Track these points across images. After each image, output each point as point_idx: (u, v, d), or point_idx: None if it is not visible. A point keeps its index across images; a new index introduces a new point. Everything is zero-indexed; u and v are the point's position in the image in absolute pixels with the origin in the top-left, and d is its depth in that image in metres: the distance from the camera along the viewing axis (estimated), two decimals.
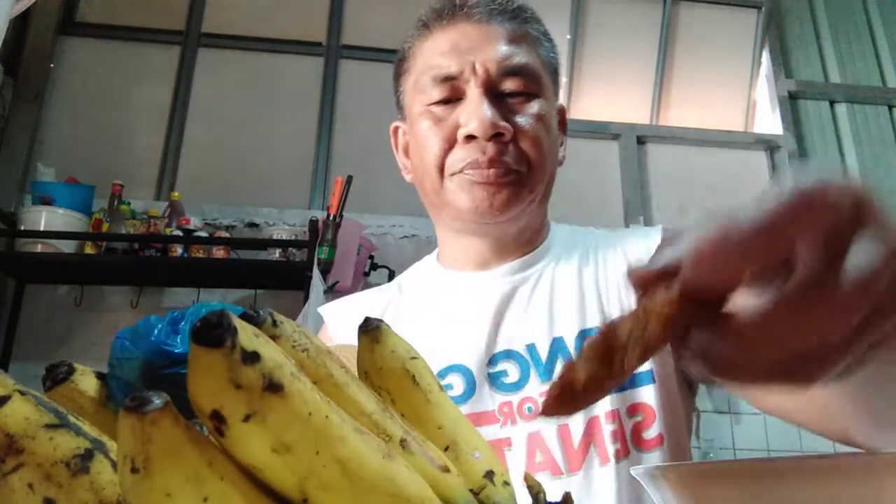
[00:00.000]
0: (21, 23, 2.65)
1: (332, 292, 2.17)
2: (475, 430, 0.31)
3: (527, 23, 0.81)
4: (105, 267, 2.34)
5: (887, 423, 0.45)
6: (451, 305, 0.81)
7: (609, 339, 0.27)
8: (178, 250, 2.30)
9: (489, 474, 0.28)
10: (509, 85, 0.76)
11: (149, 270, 2.37)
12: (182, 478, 0.19)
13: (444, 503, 0.23)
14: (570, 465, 0.69)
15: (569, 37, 3.21)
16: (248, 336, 0.20)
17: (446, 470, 0.25)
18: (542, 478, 0.69)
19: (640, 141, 3.16)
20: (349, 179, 2.27)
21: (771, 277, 0.25)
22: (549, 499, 0.29)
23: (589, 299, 0.78)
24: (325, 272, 2.22)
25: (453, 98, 0.77)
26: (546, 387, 0.72)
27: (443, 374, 0.76)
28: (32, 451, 0.22)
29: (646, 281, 0.26)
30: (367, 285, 2.23)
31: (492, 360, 0.76)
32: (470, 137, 0.74)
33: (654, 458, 0.70)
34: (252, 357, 0.19)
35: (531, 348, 0.76)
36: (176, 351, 0.27)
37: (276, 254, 2.36)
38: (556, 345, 0.75)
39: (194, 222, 2.35)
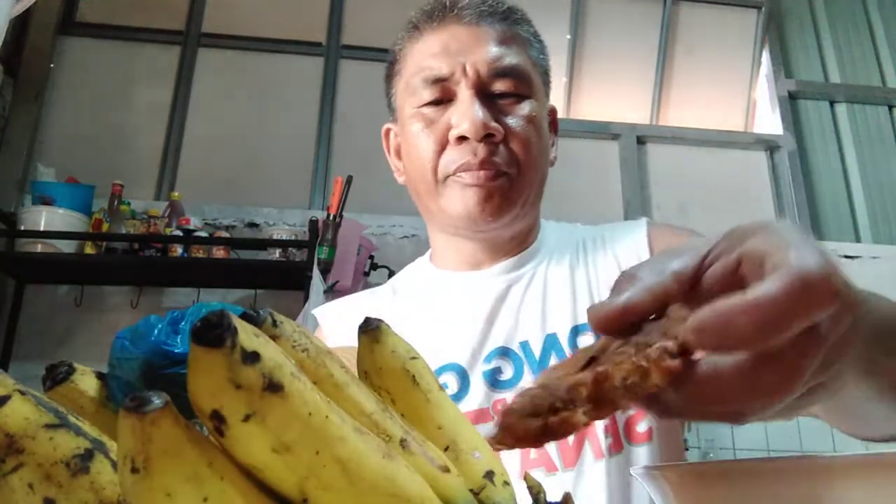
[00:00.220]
0: (21, 23, 2.65)
1: (332, 292, 2.17)
2: (475, 430, 0.31)
3: (517, 24, 0.82)
4: (105, 267, 2.34)
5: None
6: (445, 305, 0.82)
7: (600, 384, 0.28)
8: (178, 250, 2.30)
9: (489, 474, 0.28)
10: (500, 86, 0.77)
11: (149, 270, 2.37)
12: (182, 478, 0.19)
13: (444, 503, 0.23)
14: (565, 461, 0.70)
15: (569, 37, 3.21)
16: (248, 336, 0.20)
17: (446, 470, 0.25)
18: (537, 474, 0.69)
19: (640, 141, 3.16)
20: (349, 179, 2.27)
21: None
22: (548, 499, 0.29)
23: (581, 297, 0.78)
24: (325, 272, 2.22)
25: (444, 99, 0.77)
26: None
27: (437, 373, 0.76)
28: (32, 450, 0.22)
29: (610, 321, 0.29)
30: (367, 285, 2.23)
31: (486, 359, 0.76)
32: (461, 138, 0.75)
33: (644, 451, 0.71)
34: (252, 357, 0.19)
35: (525, 345, 0.76)
36: (176, 351, 0.27)
37: (276, 254, 2.36)
38: (550, 341, 0.75)
39: (194, 222, 2.35)
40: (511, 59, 0.77)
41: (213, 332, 0.19)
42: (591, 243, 0.85)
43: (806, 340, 0.27)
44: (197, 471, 0.19)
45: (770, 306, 0.26)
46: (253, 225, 2.61)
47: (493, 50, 0.77)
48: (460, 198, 0.75)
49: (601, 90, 3.23)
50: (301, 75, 2.95)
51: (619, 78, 3.25)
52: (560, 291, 0.79)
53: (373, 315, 0.31)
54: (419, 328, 0.79)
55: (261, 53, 2.96)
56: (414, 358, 0.30)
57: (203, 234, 2.33)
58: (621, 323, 0.29)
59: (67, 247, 2.27)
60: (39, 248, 2.25)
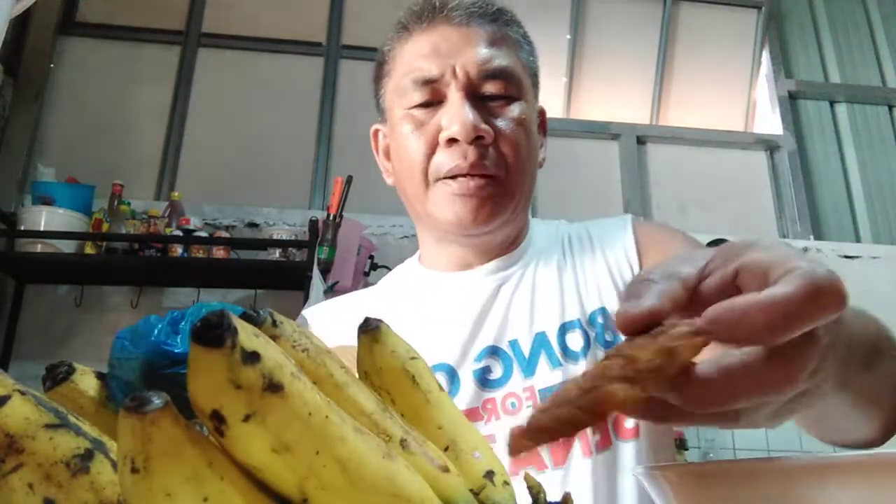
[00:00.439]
0: (21, 23, 2.65)
1: (332, 292, 2.17)
2: (475, 430, 0.31)
3: (507, 25, 0.81)
4: (105, 267, 2.34)
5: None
6: (435, 305, 0.82)
7: (630, 364, 0.29)
8: (178, 250, 2.30)
9: (489, 474, 0.28)
10: (490, 88, 0.76)
11: (149, 270, 2.37)
12: (182, 478, 0.19)
13: (444, 503, 0.23)
14: (555, 458, 0.70)
15: (569, 37, 3.21)
16: (248, 336, 0.20)
17: (446, 470, 0.25)
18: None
19: (640, 141, 3.16)
20: (349, 179, 2.27)
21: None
22: (548, 498, 0.29)
23: (568, 295, 0.79)
24: (325, 272, 2.22)
25: (434, 101, 0.77)
26: (528, 382, 0.73)
27: None
28: (32, 450, 0.22)
29: (636, 324, 0.30)
30: (367, 285, 2.23)
31: (476, 358, 0.76)
32: (451, 141, 0.74)
33: (630, 447, 0.71)
34: (252, 357, 0.19)
35: (514, 344, 0.76)
36: (176, 351, 0.27)
37: (276, 254, 2.36)
38: (539, 339, 0.76)
39: (194, 222, 2.35)
40: (501, 60, 0.77)
41: (213, 332, 0.19)
42: (578, 242, 0.85)
43: (807, 341, 0.28)
44: (197, 471, 0.19)
45: (785, 305, 0.27)
46: (253, 225, 2.61)
47: (483, 51, 0.77)
48: (450, 205, 0.75)
49: (601, 90, 3.23)
50: (301, 75, 2.95)
51: (619, 78, 3.25)
52: (548, 290, 0.79)
53: (363, 315, 0.31)
54: (409, 328, 0.79)
55: (261, 53, 2.96)
56: (414, 358, 0.30)
57: (203, 234, 2.33)
58: (645, 326, 0.30)
59: (67, 247, 2.27)
60: (39, 248, 2.25)
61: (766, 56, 3.34)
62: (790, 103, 3.26)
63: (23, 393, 0.23)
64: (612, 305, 0.77)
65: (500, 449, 0.70)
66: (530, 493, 0.29)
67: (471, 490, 0.27)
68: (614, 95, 3.23)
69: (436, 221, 0.78)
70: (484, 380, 0.75)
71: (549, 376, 0.73)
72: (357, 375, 0.29)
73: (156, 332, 0.27)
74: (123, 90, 2.80)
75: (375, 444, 0.22)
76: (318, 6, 3.05)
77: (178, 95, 2.83)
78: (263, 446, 0.20)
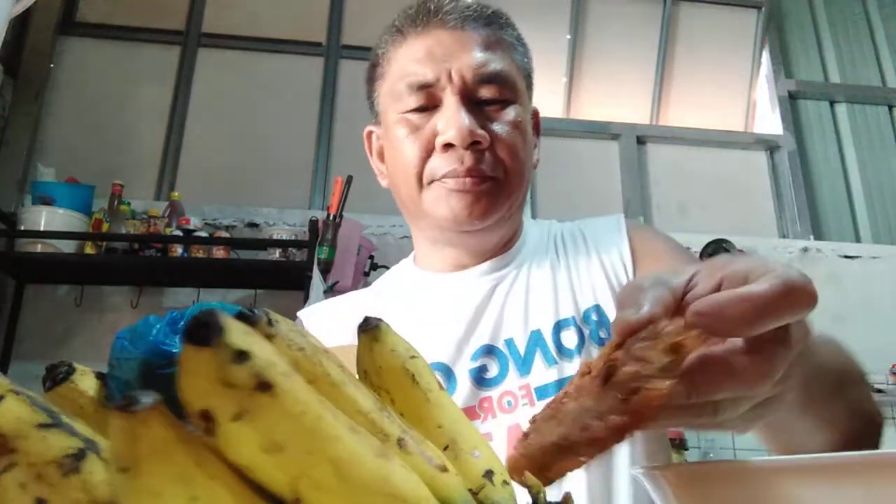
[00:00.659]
0: (21, 23, 2.65)
1: (332, 292, 2.17)
2: (476, 429, 0.31)
3: (501, 29, 0.81)
4: (105, 267, 2.34)
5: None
6: (430, 306, 0.82)
7: (646, 364, 0.31)
8: (178, 250, 2.30)
9: (488, 473, 0.28)
10: (485, 92, 0.76)
11: (149, 270, 2.37)
12: (171, 477, 0.19)
13: (441, 503, 0.23)
14: None
15: (569, 37, 3.21)
16: (238, 335, 0.20)
17: (444, 469, 0.25)
18: None
19: (640, 141, 3.16)
20: (349, 179, 2.27)
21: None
22: (548, 498, 0.29)
23: (562, 293, 0.79)
24: (325, 272, 2.22)
25: (430, 106, 0.77)
26: (524, 380, 0.73)
27: None
28: (25, 450, 0.22)
29: (634, 329, 0.33)
30: (367, 285, 2.23)
31: (472, 357, 0.76)
32: (448, 145, 0.74)
33: (625, 445, 0.71)
34: (242, 356, 0.19)
35: (509, 343, 0.76)
36: (174, 351, 0.27)
37: (276, 254, 2.36)
38: (534, 337, 0.76)
39: (194, 222, 2.35)
40: (496, 64, 0.77)
41: (202, 331, 0.19)
42: (571, 241, 0.86)
43: (780, 344, 0.32)
44: (186, 471, 0.19)
45: (761, 298, 0.30)
46: (253, 225, 2.61)
47: (478, 55, 0.76)
48: (445, 201, 0.75)
49: (601, 90, 3.23)
50: (301, 75, 2.95)
51: (619, 78, 3.25)
52: (542, 289, 0.80)
53: (359, 316, 0.31)
54: (404, 328, 0.79)
55: (261, 53, 2.96)
56: (414, 357, 0.30)
57: (203, 234, 2.33)
58: (640, 330, 0.33)
59: (67, 247, 2.27)
60: (39, 248, 2.25)
61: (766, 56, 3.34)
62: (790, 103, 3.26)
63: (17, 393, 0.23)
64: (607, 303, 0.77)
65: (499, 447, 0.71)
66: (530, 492, 0.29)
67: (470, 490, 0.26)
68: (614, 95, 3.23)
69: (431, 220, 0.78)
70: (480, 379, 0.75)
71: (544, 374, 0.73)
72: (356, 375, 0.29)
73: (154, 331, 0.27)
74: (123, 90, 2.80)
75: (370, 443, 0.21)
76: (318, 6, 3.05)
77: (178, 95, 2.83)
78: (254, 446, 0.20)
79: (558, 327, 0.76)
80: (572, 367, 0.73)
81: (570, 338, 0.75)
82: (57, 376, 0.30)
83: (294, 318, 0.90)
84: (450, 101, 0.75)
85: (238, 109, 2.86)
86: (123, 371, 0.27)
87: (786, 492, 0.30)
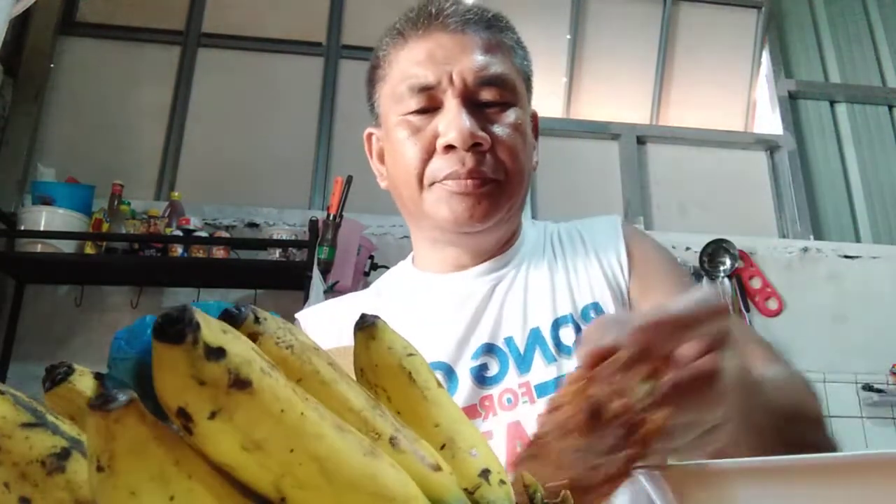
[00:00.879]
0: (21, 23, 2.65)
1: (332, 292, 2.17)
2: (474, 428, 0.31)
3: (501, 32, 0.82)
4: (105, 267, 2.34)
5: None
6: (430, 306, 0.83)
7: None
8: (178, 250, 2.30)
9: (485, 473, 0.28)
10: (486, 95, 0.77)
11: (149, 270, 2.37)
12: (147, 476, 0.19)
13: (432, 502, 0.23)
14: None
15: (569, 37, 3.21)
16: (212, 332, 0.19)
17: (437, 468, 0.24)
18: None
19: (640, 141, 3.16)
20: (349, 179, 2.27)
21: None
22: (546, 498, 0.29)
23: (560, 291, 0.80)
24: (325, 272, 2.22)
25: (430, 108, 0.77)
26: (524, 378, 0.74)
27: None
28: (8, 449, 0.22)
29: (596, 358, 0.38)
30: (367, 285, 2.23)
31: (473, 356, 0.77)
32: (449, 147, 0.75)
33: None
34: (217, 353, 0.19)
35: (509, 341, 0.77)
36: None
37: (276, 254, 2.36)
38: (533, 335, 0.77)
39: (194, 222, 2.35)
40: (497, 67, 0.78)
41: (173, 328, 0.19)
42: (569, 240, 0.87)
43: (713, 378, 0.39)
44: (163, 469, 0.19)
45: (682, 312, 0.38)
46: (253, 225, 2.61)
47: (479, 58, 0.77)
48: (446, 203, 0.76)
49: (601, 90, 3.23)
50: (301, 75, 2.95)
51: (619, 78, 3.25)
52: (540, 288, 0.81)
53: (356, 318, 0.31)
54: (405, 328, 0.79)
55: (261, 53, 2.96)
56: (411, 355, 0.30)
57: (203, 234, 2.33)
58: (603, 358, 0.39)
59: (67, 247, 2.27)
60: (39, 248, 2.25)
61: (766, 56, 3.34)
62: (790, 103, 3.26)
63: (1, 392, 0.23)
64: (606, 301, 0.78)
65: (499, 444, 0.71)
66: (526, 491, 0.29)
67: (465, 489, 0.26)
68: (614, 95, 3.23)
69: (432, 221, 0.79)
70: (481, 377, 0.76)
71: (543, 372, 0.74)
72: (353, 375, 0.29)
73: (150, 331, 0.27)
74: (123, 90, 2.80)
75: (357, 441, 0.21)
76: (318, 6, 3.05)
77: (178, 95, 2.83)
78: (233, 444, 0.19)
79: (556, 325, 0.77)
80: (571, 365, 0.73)
81: (568, 335, 0.76)
82: (56, 377, 0.30)
83: (294, 318, 0.90)
84: (451, 103, 0.75)
85: (238, 109, 2.86)
86: (119, 371, 0.27)
87: (786, 491, 0.30)
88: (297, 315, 0.91)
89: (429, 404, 0.29)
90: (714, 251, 2.77)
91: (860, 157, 3.19)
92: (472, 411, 0.74)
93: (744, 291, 2.77)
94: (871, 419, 2.64)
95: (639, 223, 2.94)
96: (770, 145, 3.22)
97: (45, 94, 2.71)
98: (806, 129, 3.24)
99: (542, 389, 0.73)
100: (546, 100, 3.11)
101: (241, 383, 0.19)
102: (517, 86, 0.80)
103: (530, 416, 0.72)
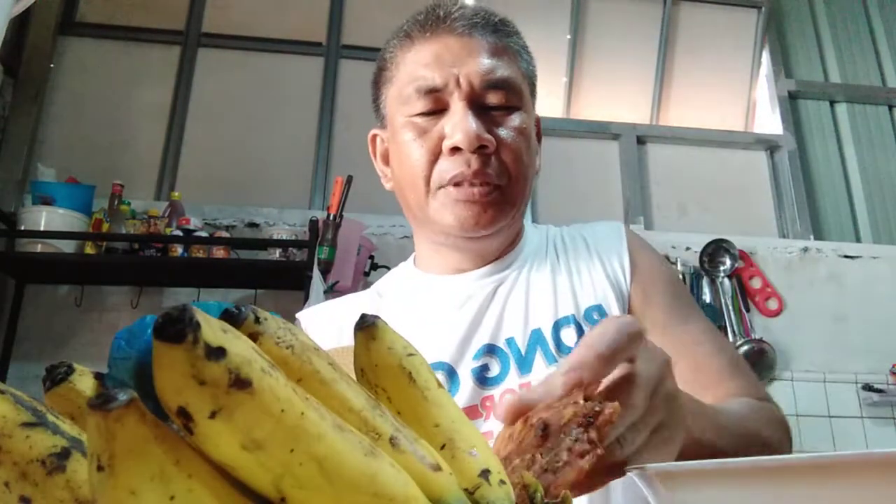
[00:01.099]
0: (21, 23, 2.65)
1: (333, 292, 2.17)
2: (474, 428, 0.31)
3: (508, 37, 0.83)
4: (105, 267, 2.34)
5: None
6: (432, 306, 0.83)
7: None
8: (178, 250, 2.30)
9: (485, 473, 0.28)
10: (492, 98, 0.78)
11: (149, 270, 2.37)
12: (147, 476, 0.19)
13: (432, 502, 0.23)
14: None
15: (569, 37, 3.21)
16: (212, 331, 0.19)
17: (438, 468, 0.24)
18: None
19: (640, 141, 3.16)
20: (349, 179, 2.27)
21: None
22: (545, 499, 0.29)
23: (562, 293, 0.81)
24: (325, 272, 2.22)
25: (437, 110, 0.78)
26: (525, 379, 0.75)
27: None
28: (8, 449, 0.22)
29: (518, 413, 0.42)
30: (367, 285, 2.23)
31: (474, 356, 0.77)
32: (455, 149, 0.75)
33: None
34: (217, 353, 0.19)
35: (510, 342, 0.78)
36: None
37: (276, 254, 2.36)
38: (535, 336, 0.77)
39: (194, 222, 2.35)
40: (503, 71, 0.78)
41: (173, 328, 0.19)
42: (571, 243, 0.87)
43: (631, 373, 0.42)
44: (163, 469, 0.19)
45: (605, 347, 0.41)
46: (253, 225, 2.61)
47: (486, 62, 0.78)
48: (452, 210, 0.77)
49: (601, 90, 3.23)
50: (301, 75, 2.95)
51: (619, 78, 3.25)
52: (542, 289, 0.81)
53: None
54: (406, 329, 0.79)
55: (261, 53, 2.96)
56: (411, 355, 0.30)
57: (203, 234, 2.33)
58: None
59: (67, 247, 2.27)
60: (39, 248, 2.25)
61: (766, 56, 3.34)
62: (790, 103, 3.26)
63: (1, 392, 0.24)
64: (609, 303, 0.79)
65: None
66: (527, 491, 0.29)
67: (465, 489, 0.26)
68: (614, 95, 3.23)
69: (437, 226, 0.79)
70: (482, 378, 0.76)
71: (544, 373, 0.74)
72: (354, 375, 0.29)
73: (150, 331, 0.27)
74: (123, 90, 2.80)
75: (357, 441, 0.21)
76: (318, 6, 3.05)
77: (178, 95, 2.83)
78: (233, 444, 0.19)
79: (558, 326, 0.77)
80: None
81: (569, 335, 0.76)
82: (56, 377, 0.30)
83: (294, 318, 0.90)
84: (457, 105, 0.76)
85: (238, 109, 2.86)
86: (119, 371, 0.27)
87: (785, 491, 0.30)
88: (297, 315, 0.91)
89: (429, 404, 0.29)
90: (714, 251, 2.77)
91: (860, 157, 3.19)
92: (473, 412, 0.74)
93: (744, 291, 2.77)
94: (871, 419, 2.64)
95: (639, 223, 2.94)
96: (770, 145, 3.22)
97: (45, 94, 2.71)
98: (806, 129, 3.24)
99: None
100: (546, 100, 3.11)
101: (241, 383, 0.19)
102: (522, 90, 0.81)
103: None
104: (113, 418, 0.19)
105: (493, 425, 0.73)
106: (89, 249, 2.28)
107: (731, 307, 2.71)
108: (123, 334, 0.29)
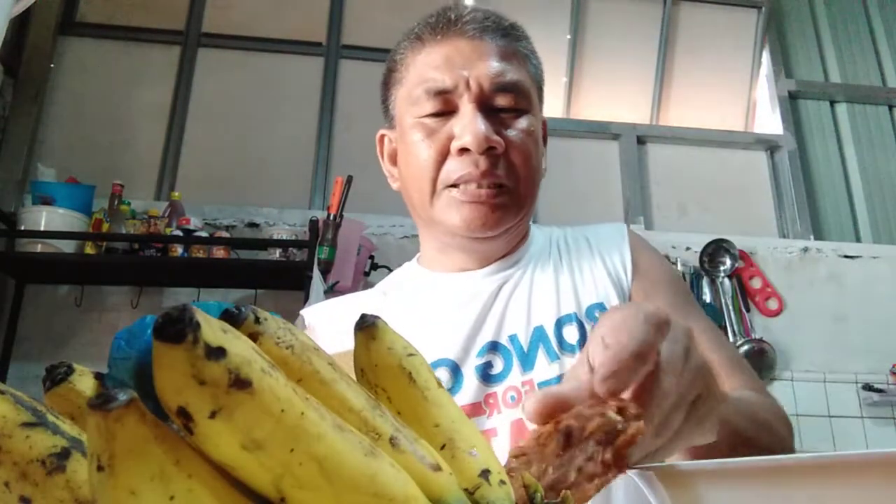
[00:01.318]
0: (21, 23, 2.65)
1: (333, 292, 2.17)
2: (475, 428, 0.31)
3: (517, 41, 0.84)
4: (105, 267, 2.34)
5: None
6: (436, 305, 0.84)
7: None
8: (179, 250, 2.30)
9: (485, 473, 0.28)
10: (501, 101, 0.78)
11: (149, 270, 2.37)
12: (147, 476, 0.19)
13: (432, 502, 0.23)
14: None
15: (569, 37, 3.21)
16: (212, 331, 0.19)
17: (438, 468, 0.24)
18: None
19: (640, 141, 3.16)
20: (349, 179, 2.27)
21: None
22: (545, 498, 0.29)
23: (564, 291, 0.81)
24: (325, 272, 2.22)
25: (446, 111, 0.79)
26: (528, 376, 0.75)
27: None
28: (8, 449, 0.22)
29: (553, 411, 0.39)
30: (367, 285, 2.23)
31: (478, 354, 0.78)
32: (464, 150, 0.76)
33: None
34: (217, 353, 0.19)
35: (513, 339, 0.78)
36: None
37: (277, 254, 2.36)
38: (537, 333, 0.78)
39: (194, 222, 2.35)
40: (512, 74, 0.79)
41: (173, 328, 0.19)
42: (574, 243, 0.88)
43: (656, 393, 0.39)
44: (163, 469, 0.19)
45: (638, 345, 0.38)
46: (253, 225, 2.61)
47: (496, 65, 0.79)
48: (458, 210, 0.77)
49: (601, 90, 3.23)
50: (301, 75, 2.95)
51: (619, 78, 3.25)
52: (545, 287, 0.82)
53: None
54: (410, 327, 0.80)
55: (261, 53, 2.96)
56: (411, 355, 0.30)
57: (203, 234, 2.33)
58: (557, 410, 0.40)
59: (67, 247, 2.27)
60: (39, 248, 2.25)
61: (766, 56, 3.34)
62: (790, 103, 3.26)
63: (1, 392, 0.24)
64: (611, 301, 0.80)
65: (502, 442, 0.71)
66: (526, 492, 0.29)
67: (465, 489, 0.26)
68: (614, 95, 3.23)
69: (443, 227, 0.80)
70: (486, 375, 0.77)
71: (546, 370, 0.75)
72: (355, 375, 0.29)
73: (149, 331, 0.27)
74: (123, 90, 2.80)
75: (357, 441, 0.21)
76: (318, 6, 3.05)
77: (178, 95, 2.83)
78: (233, 443, 0.19)
79: (560, 323, 0.78)
80: (574, 362, 0.74)
81: (571, 333, 0.77)
82: (56, 377, 0.30)
83: (294, 318, 0.90)
84: (466, 107, 0.77)
85: (238, 109, 2.86)
86: (119, 371, 0.27)
87: (786, 491, 0.30)
88: (301, 312, 0.92)
89: (429, 404, 0.29)
90: (714, 251, 2.77)
91: (860, 157, 3.19)
92: (476, 408, 0.75)
93: (744, 291, 2.77)
94: (871, 419, 2.64)
95: (639, 223, 2.94)
96: (770, 145, 3.22)
97: (45, 94, 2.71)
98: (806, 129, 3.24)
99: (545, 387, 0.74)
100: (546, 100, 3.10)
101: (241, 383, 0.19)
102: (531, 93, 0.82)
103: None
104: (113, 418, 0.19)
105: (496, 422, 0.74)
106: (89, 249, 2.28)
107: (731, 307, 2.71)
108: (123, 334, 0.29)
